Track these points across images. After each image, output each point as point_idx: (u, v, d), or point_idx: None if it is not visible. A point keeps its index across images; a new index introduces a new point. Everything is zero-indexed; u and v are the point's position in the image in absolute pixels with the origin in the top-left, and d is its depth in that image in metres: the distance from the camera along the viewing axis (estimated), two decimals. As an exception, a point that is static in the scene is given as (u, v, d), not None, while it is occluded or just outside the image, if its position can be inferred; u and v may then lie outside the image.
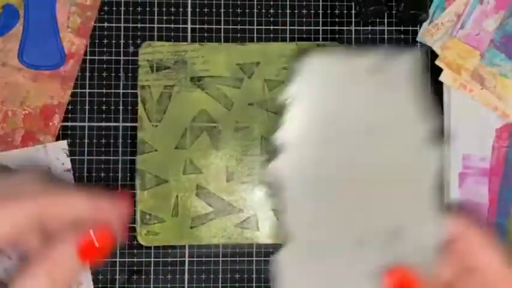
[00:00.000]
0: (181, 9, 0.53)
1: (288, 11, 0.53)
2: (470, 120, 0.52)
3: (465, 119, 0.52)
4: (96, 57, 0.52)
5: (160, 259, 0.51)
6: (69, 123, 0.52)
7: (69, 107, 0.52)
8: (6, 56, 0.51)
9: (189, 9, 0.53)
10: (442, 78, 0.52)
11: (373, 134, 0.29)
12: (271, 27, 0.53)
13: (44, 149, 0.50)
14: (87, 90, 0.52)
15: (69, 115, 0.52)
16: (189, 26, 0.53)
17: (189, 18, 0.53)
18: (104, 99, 0.52)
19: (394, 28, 0.53)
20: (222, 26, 0.53)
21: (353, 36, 0.53)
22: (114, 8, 0.53)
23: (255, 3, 0.53)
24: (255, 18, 0.53)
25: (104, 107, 0.52)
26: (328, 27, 0.53)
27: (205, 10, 0.53)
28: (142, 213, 0.50)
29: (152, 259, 0.51)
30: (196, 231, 0.51)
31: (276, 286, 0.29)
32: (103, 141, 0.52)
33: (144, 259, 0.51)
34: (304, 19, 0.53)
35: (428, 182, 0.29)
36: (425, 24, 0.53)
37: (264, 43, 0.52)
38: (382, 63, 0.29)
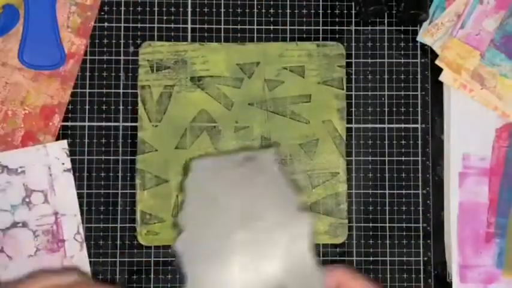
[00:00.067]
0: (181, 9, 0.53)
1: (288, 11, 0.53)
2: (470, 120, 0.52)
3: (465, 119, 0.52)
4: (96, 57, 0.52)
5: (160, 259, 0.51)
6: (69, 123, 0.52)
7: (69, 106, 0.52)
8: (6, 56, 0.51)
9: (189, 9, 0.53)
10: (442, 78, 0.52)
11: (250, 208, 0.38)
12: (271, 27, 0.53)
13: (44, 149, 0.50)
14: (87, 90, 0.52)
15: (69, 115, 0.52)
16: (189, 26, 0.53)
17: (189, 18, 0.53)
18: (104, 99, 0.52)
19: (394, 28, 0.53)
20: (222, 26, 0.53)
21: (353, 36, 0.53)
22: (114, 8, 0.53)
23: (255, 3, 0.53)
24: (255, 18, 0.53)
25: (104, 107, 0.52)
26: (328, 27, 0.53)
27: (205, 10, 0.53)
28: (142, 213, 0.50)
29: (152, 259, 0.51)
30: (196, 231, 0.50)
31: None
32: (103, 141, 0.52)
33: (144, 259, 0.51)
34: (304, 19, 0.53)
35: (303, 244, 0.36)
36: (425, 24, 0.53)
37: (264, 43, 0.52)
38: (247, 159, 0.40)
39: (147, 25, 0.53)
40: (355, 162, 0.52)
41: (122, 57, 0.52)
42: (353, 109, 0.53)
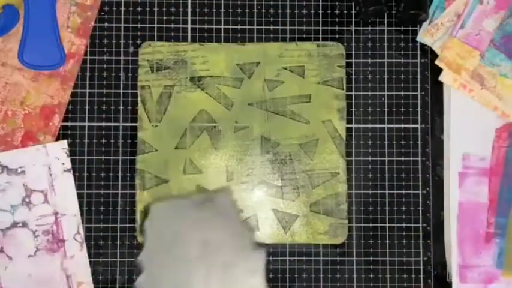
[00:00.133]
0: (181, 9, 0.53)
1: (288, 11, 0.53)
2: (470, 120, 0.52)
3: (465, 119, 0.52)
4: (96, 57, 0.52)
5: (160, 259, 0.51)
6: (69, 123, 0.52)
7: (69, 107, 0.52)
8: (6, 56, 0.51)
9: (189, 9, 0.53)
10: (442, 78, 0.52)
11: (209, 247, 0.42)
12: (271, 27, 0.53)
13: (44, 149, 0.50)
14: (87, 90, 0.52)
15: (69, 115, 0.52)
16: (189, 26, 0.53)
17: (189, 18, 0.53)
18: (104, 99, 0.52)
19: (394, 28, 0.53)
20: (222, 26, 0.53)
21: (353, 36, 0.53)
22: (114, 8, 0.53)
23: (255, 3, 0.53)
24: (255, 18, 0.53)
25: (104, 107, 0.52)
26: (328, 27, 0.53)
27: (205, 10, 0.53)
28: (143, 213, 0.50)
29: (152, 259, 0.51)
30: (196, 231, 0.51)
31: None
32: (103, 141, 0.52)
33: (144, 259, 0.51)
34: (304, 19, 0.53)
35: (257, 279, 0.42)
36: (425, 24, 0.53)
37: (264, 43, 0.52)
38: (205, 201, 0.45)
39: (147, 25, 0.53)
40: (355, 162, 0.52)
41: (122, 57, 0.52)
42: (353, 109, 0.53)
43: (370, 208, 0.52)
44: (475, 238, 0.51)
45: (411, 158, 0.52)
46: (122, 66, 0.52)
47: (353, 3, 0.53)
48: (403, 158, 0.52)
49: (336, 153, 0.51)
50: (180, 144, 0.51)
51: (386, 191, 0.52)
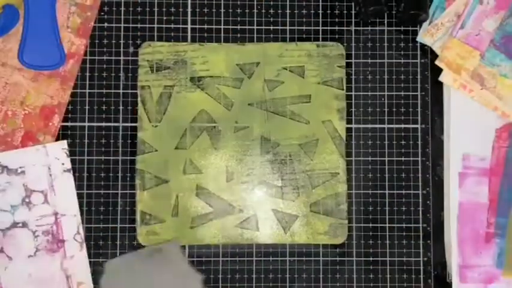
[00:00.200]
0: (181, 9, 0.53)
1: (288, 11, 0.53)
2: (470, 120, 0.52)
3: (465, 119, 0.52)
4: (96, 57, 0.52)
5: (160, 259, 0.51)
6: (69, 123, 0.52)
7: (69, 107, 0.52)
8: (6, 56, 0.51)
9: (189, 9, 0.53)
10: (442, 78, 0.52)
11: None
12: (271, 27, 0.53)
13: (44, 149, 0.50)
14: (87, 90, 0.52)
15: (69, 115, 0.52)
16: (189, 26, 0.53)
17: (189, 18, 0.53)
18: (104, 99, 0.52)
19: (394, 28, 0.53)
20: (222, 26, 0.53)
21: (353, 36, 0.53)
22: (114, 8, 0.53)
23: (255, 3, 0.53)
24: (255, 18, 0.53)
25: (104, 107, 0.52)
26: (328, 27, 0.53)
27: (205, 10, 0.53)
28: (142, 213, 0.50)
29: (152, 259, 0.51)
30: (196, 231, 0.51)
31: None
32: (103, 141, 0.52)
33: (144, 259, 0.51)
34: (304, 19, 0.53)
35: None
36: (425, 24, 0.53)
37: (264, 43, 0.52)
38: (154, 252, 0.47)
39: (147, 25, 0.53)
40: (355, 162, 0.52)
41: (121, 57, 0.52)
42: (353, 109, 0.53)
43: (370, 208, 0.52)
44: (475, 238, 0.51)
45: (411, 158, 0.52)
46: (122, 66, 0.52)
47: (353, 3, 0.53)
48: (403, 158, 0.52)
49: (336, 153, 0.51)
50: (180, 144, 0.51)
51: (386, 191, 0.52)
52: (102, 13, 0.52)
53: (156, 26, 0.53)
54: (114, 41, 0.52)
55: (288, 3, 0.53)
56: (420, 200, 0.52)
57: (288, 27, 0.53)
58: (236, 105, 0.52)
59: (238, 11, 0.53)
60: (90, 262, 0.50)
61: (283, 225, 0.51)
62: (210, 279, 0.51)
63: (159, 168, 0.51)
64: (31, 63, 0.51)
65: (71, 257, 0.50)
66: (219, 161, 0.51)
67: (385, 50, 0.53)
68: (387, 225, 0.52)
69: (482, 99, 0.52)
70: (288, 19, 0.53)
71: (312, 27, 0.53)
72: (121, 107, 0.52)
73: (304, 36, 0.53)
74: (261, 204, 0.51)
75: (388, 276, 0.51)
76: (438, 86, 0.53)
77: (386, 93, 0.53)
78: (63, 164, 0.51)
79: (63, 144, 0.51)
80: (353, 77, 0.53)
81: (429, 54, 0.53)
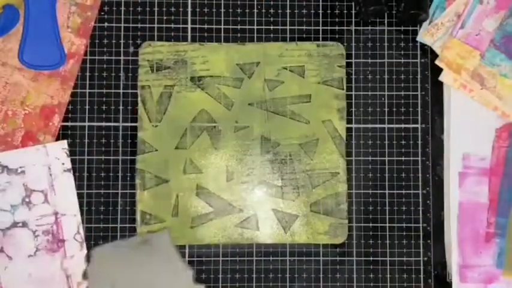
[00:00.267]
0: (181, 9, 0.53)
1: (288, 11, 0.53)
2: (470, 120, 0.52)
3: (465, 119, 0.52)
4: (96, 57, 0.52)
5: (160, 259, 0.51)
6: (69, 123, 0.52)
7: (69, 107, 0.52)
8: (6, 56, 0.51)
9: (189, 9, 0.53)
10: (442, 78, 0.52)
11: (151, 287, 0.45)
12: (271, 27, 0.53)
13: (44, 149, 0.50)
14: (87, 90, 0.52)
15: (69, 115, 0.52)
16: (189, 26, 0.53)
17: (189, 18, 0.53)
18: (104, 99, 0.52)
19: (394, 28, 0.53)
20: (222, 26, 0.53)
21: (353, 36, 0.53)
22: (114, 8, 0.53)
23: (255, 3, 0.53)
24: (255, 18, 0.53)
25: (104, 107, 0.52)
26: (328, 27, 0.53)
27: (205, 10, 0.53)
28: (142, 213, 0.50)
29: (152, 259, 0.51)
30: (196, 231, 0.51)
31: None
32: (103, 141, 0.52)
33: (144, 259, 0.51)
34: (304, 19, 0.53)
35: None
36: (425, 24, 0.53)
37: (264, 43, 0.52)
38: (142, 242, 0.47)
39: (147, 25, 0.53)
40: (355, 162, 0.52)
41: (122, 57, 0.52)
42: (353, 109, 0.53)
43: (370, 208, 0.52)
44: (475, 238, 0.51)
45: (411, 158, 0.52)
46: (122, 66, 0.52)
47: (353, 3, 0.53)
48: (403, 158, 0.52)
49: (336, 153, 0.51)
50: (180, 144, 0.51)
51: (386, 191, 0.52)
52: (102, 13, 0.52)
53: (156, 25, 0.53)
54: (114, 41, 0.52)
55: (288, 3, 0.53)
56: (420, 200, 0.52)
57: (288, 27, 0.53)
58: (236, 105, 0.52)
59: (238, 11, 0.53)
60: (90, 262, 0.50)
61: (283, 225, 0.51)
62: (210, 279, 0.51)
63: (159, 168, 0.51)
64: (31, 63, 0.51)
65: (71, 257, 0.50)
66: (219, 161, 0.51)
67: (385, 49, 0.53)
68: (387, 225, 0.52)
69: (482, 99, 0.52)
70: (288, 19, 0.53)
71: (312, 27, 0.53)
72: (121, 107, 0.52)
73: (304, 36, 0.53)
74: (261, 204, 0.51)
75: (388, 276, 0.51)
76: (438, 86, 0.53)
77: (386, 93, 0.53)
78: (63, 163, 0.51)
79: (63, 144, 0.51)
80: (353, 76, 0.53)
81: (429, 54, 0.53)
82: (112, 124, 0.52)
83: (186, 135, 0.51)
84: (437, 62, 0.52)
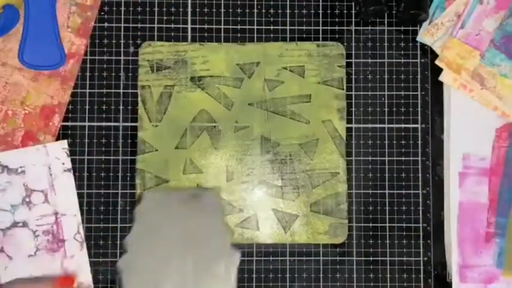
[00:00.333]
0: (181, 9, 0.53)
1: (288, 11, 0.53)
2: (470, 120, 0.52)
3: (465, 119, 0.52)
4: (96, 57, 0.52)
5: (161, 259, 0.51)
6: (69, 123, 0.52)
7: (69, 107, 0.52)
8: (6, 56, 0.51)
9: (189, 9, 0.53)
10: (442, 78, 0.52)
11: (189, 239, 0.46)
12: (271, 27, 0.53)
13: (44, 148, 0.50)
14: (87, 90, 0.52)
15: (69, 115, 0.52)
16: (189, 26, 0.53)
17: (189, 18, 0.53)
18: (104, 99, 0.52)
19: (394, 28, 0.53)
20: (222, 26, 0.53)
21: (353, 36, 0.53)
22: (114, 8, 0.53)
23: (255, 3, 0.53)
24: (255, 18, 0.53)
25: (104, 107, 0.52)
26: (328, 27, 0.53)
27: (205, 10, 0.53)
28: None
29: (152, 259, 0.51)
30: (196, 231, 0.51)
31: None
32: (103, 141, 0.52)
33: (144, 259, 0.51)
34: (304, 19, 0.53)
35: (229, 276, 0.46)
36: (425, 24, 0.53)
37: (264, 43, 0.52)
38: (193, 197, 0.48)
39: (147, 25, 0.53)
40: (355, 162, 0.52)
41: (122, 57, 0.52)
42: (353, 109, 0.53)
43: (370, 208, 0.52)
44: (475, 238, 0.51)
45: (411, 158, 0.52)
46: (122, 66, 0.52)
47: (353, 3, 0.53)
48: (403, 158, 0.52)
49: (336, 153, 0.51)
50: (180, 144, 0.51)
51: (386, 191, 0.52)
52: (103, 13, 0.52)
53: (156, 25, 0.53)
54: (114, 41, 0.52)
55: (288, 3, 0.53)
56: (420, 200, 0.52)
57: (288, 27, 0.53)
58: (236, 105, 0.52)
59: (238, 11, 0.53)
60: (90, 262, 0.50)
61: (283, 224, 0.51)
62: (210, 279, 0.51)
63: (160, 168, 0.51)
64: (31, 63, 0.51)
65: (71, 257, 0.50)
66: (219, 161, 0.51)
67: (385, 49, 0.53)
68: (387, 225, 0.52)
69: (482, 99, 0.52)
70: (288, 19, 0.53)
71: (312, 27, 0.53)
72: (121, 107, 0.52)
73: (304, 36, 0.53)
74: (261, 204, 0.51)
75: (388, 276, 0.51)
76: (438, 86, 0.53)
77: (386, 93, 0.53)
78: (63, 163, 0.51)
79: (64, 144, 0.51)
80: (353, 76, 0.53)
81: (429, 54, 0.53)
82: (112, 124, 0.52)
83: (186, 135, 0.51)
84: (437, 62, 0.52)
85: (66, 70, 0.51)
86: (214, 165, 0.51)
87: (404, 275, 0.52)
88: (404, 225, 0.52)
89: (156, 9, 0.53)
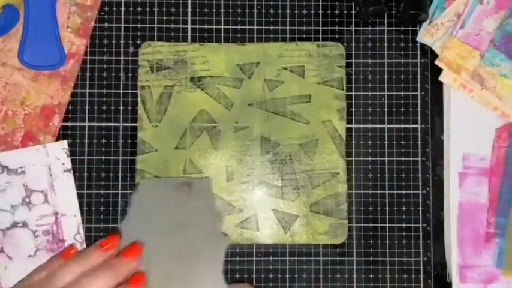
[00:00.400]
0: (181, 9, 0.53)
1: (288, 11, 0.53)
2: (470, 120, 0.52)
3: (465, 119, 0.52)
4: (96, 57, 0.52)
5: (161, 259, 0.51)
6: (69, 123, 0.52)
7: (69, 107, 0.52)
8: (6, 56, 0.51)
9: (189, 9, 0.53)
10: (442, 78, 0.52)
11: (181, 226, 0.48)
12: (271, 27, 0.53)
13: (44, 149, 0.50)
14: (87, 90, 0.52)
15: (69, 115, 0.52)
16: (189, 26, 0.53)
17: (189, 18, 0.53)
18: (104, 99, 0.52)
19: (394, 28, 0.53)
20: (222, 26, 0.53)
21: (353, 36, 0.53)
22: (114, 8, 0.53)
23: (255, 3, 0.53)
24: (255, 18, 0.53)
25: (104, 107, 0.52)
26: (328, 27, 0.53)
27: (205, 10, 0.53)
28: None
29: (152, 259, 0.51)
30: (196, 231, 0.51)
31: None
32: (103, 141, 0.52)
33: (144, 259, 0.51)
34: (304, 19, 0.53)
35: (217, 257, 0.47)
36: (425, 24, 0.53)
37: (264, 43, 0.52)
38: (184, 185, 0.49)
39: (147, 25, 0.53)
40: (355, 162, 0.52)
41: (122, 57, 0.52)
42: (353, 109, 0.53)
43: (370, 208, 0.52)
44: (475, 238, 0.51)
45: (411, 158, 0.52)
46: (122, 66, 0.52)
47: (353, 3, 0.53)
48: (403, 158, 0.52)
49: (336, 153, 0.51)
50: (180, 144, 0.51)
51: (386, 191, 0.52)
52: (102, 13, 0.52)
53: (156, 26, 0.53)
54: (114, 41, 0.52)
55: (288, 3, 0.53)
56: (420, 200, 0.52)
57: (288, 27, 0.53)
58: (236, 105, 0.52)
59: (238, 11, 0.53)
60: (90, 262, 0.50)
61: (283, 225, 0.51)
62: (210, 279, 0.51)
63: (159, 168, 0.51)
64: (31, 63, 0.51)
65: (71, 257, 0.50)
66: (219, 161, 0.51)
67: (385, 50, 0.53)
68: (387, 225, 0.52)
69: (482, 99, 0.52)
70: (288, 19, 0.53)
71: (312, 27, 0.53)
72: (121, 107, 0.52)
73: (304, 36, 0.53)
74: (261, 204, 0.51)
75: (388, 276, 0.51)
76: (438, 86, 0.53)
77: (386, 93, 0.53)
78: (63, 164, 0.51)
79: (64, 144, 0.51)
80: (353, 77, 0.53)
81: (429, 54, 0.53)
82: (112, 124, 0.52)
83: (186, 136, 0.51)
84: (437, 62, 0.52)
85: (66, 70, 0.51)
86: (214, 166, 0.51)
87: (404, 275, 0.52)
88: (404, 225, 0.52)
89: (156, 9, 0.53)
